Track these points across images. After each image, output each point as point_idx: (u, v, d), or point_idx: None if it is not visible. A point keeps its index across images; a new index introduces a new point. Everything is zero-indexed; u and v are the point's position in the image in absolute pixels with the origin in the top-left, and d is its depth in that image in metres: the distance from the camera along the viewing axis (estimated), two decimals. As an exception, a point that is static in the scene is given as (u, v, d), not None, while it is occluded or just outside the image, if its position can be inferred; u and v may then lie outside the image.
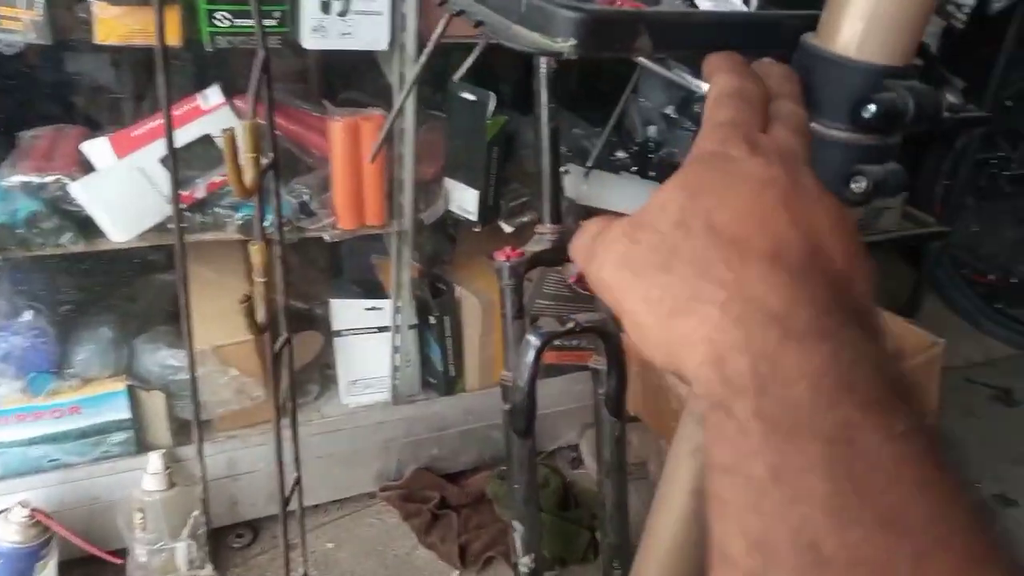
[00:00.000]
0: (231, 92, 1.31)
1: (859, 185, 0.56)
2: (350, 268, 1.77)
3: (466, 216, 1.54)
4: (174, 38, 1.17)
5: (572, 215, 1.64)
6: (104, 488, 1.42)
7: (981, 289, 2.70)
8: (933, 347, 1.63)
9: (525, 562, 1.43)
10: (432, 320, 1.64)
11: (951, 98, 0.59)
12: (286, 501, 1.13)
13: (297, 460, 1.17)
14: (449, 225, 1.71)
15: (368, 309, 1.59)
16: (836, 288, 0.30)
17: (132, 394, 1.39)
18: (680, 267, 0.32)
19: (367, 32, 1.27)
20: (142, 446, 1.44)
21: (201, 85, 1.30)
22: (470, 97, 1.43)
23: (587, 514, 1.71)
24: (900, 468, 0.25)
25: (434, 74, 1.47)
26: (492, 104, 1.42)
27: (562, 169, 1.63)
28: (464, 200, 1.53)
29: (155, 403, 1.42)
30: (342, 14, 1.24)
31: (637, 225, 0.34)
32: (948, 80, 0.61)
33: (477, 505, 1.71)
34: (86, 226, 1.26)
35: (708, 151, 0.36)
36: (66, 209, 1.24)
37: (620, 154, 1.91)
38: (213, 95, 1.25)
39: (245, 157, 0.94)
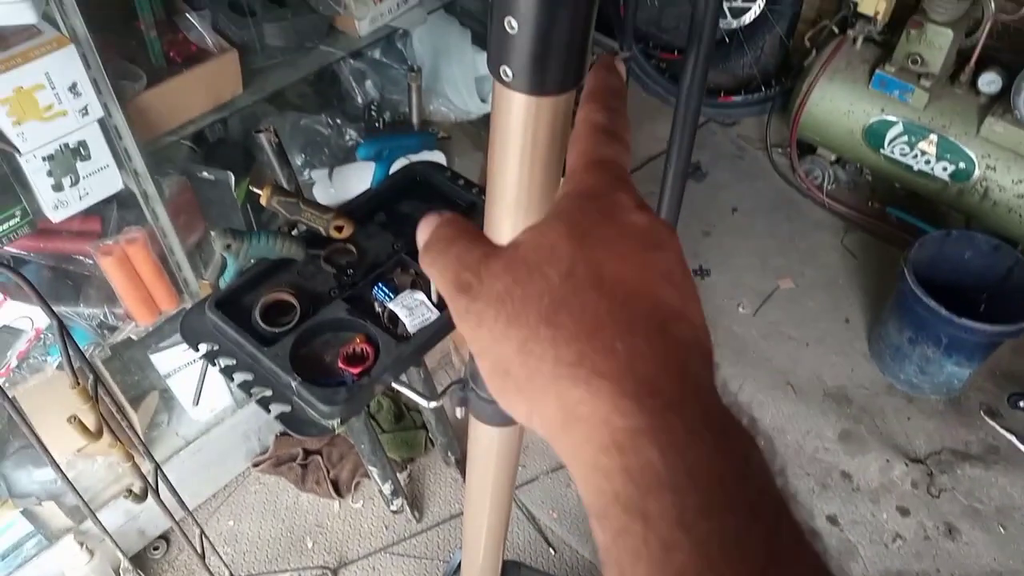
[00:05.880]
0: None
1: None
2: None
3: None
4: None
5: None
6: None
7: (669, 67, 3.17)
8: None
9: (387, 487, 1.93)
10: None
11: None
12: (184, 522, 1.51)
13: (158, 473, 1.53)
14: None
15: (187, 350, 1.83)
16: (703, 364, 0.29)
17: (27, 512, 1.64)
18: (567, 323, 0.29)
19: (103, 184, 1.38)
20: (53, 537, 1.72)
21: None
22: (211, 177, 1.58)
23: (419, 417, 2.18)
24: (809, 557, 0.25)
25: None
26: (232, 181, 1.58)
27: (306, 179, 1.86)
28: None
29: (49, 508, 1.68)
30: (75, 183, 1.34)
31: (524, 263, 0.31)
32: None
33: (334, 441, 2.14)
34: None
35: (594, 190, 0.33)
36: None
37: (350, 133, 2.17)
38: (-9, 293, 1.36)
39: (81, 409, 1.17)
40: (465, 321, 0.32)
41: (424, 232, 0.35)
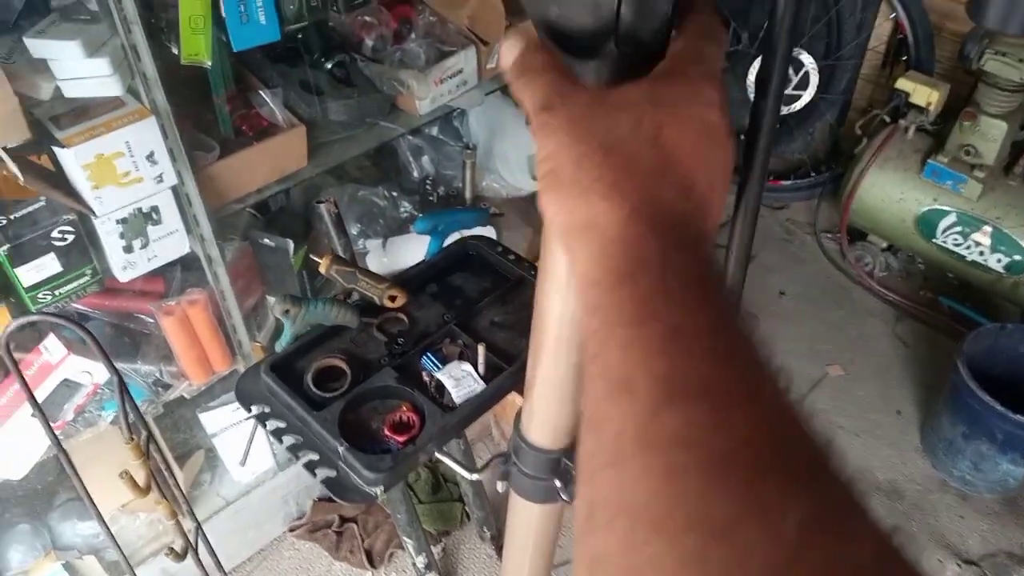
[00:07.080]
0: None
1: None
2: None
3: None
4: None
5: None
6: (72, 633, 1.72)
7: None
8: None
9: (420, 560, 1.90)
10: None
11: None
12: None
13: (199, 535, 1.53)
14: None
15: (235, 410, 1.87)
16: (701, 238, 0.37)
17: (68, 565, 1.66)
18: (619, 158, 0.37)
19: (171, 248, 1.44)
20: (90, 593, 1.73)
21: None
22: (271, 244, 1.65)
23: (456, 489, 2.17)
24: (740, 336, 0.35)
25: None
26: (291, 248, 1.64)
27: (361, 249, 1.91)
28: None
29: (89, 563, 1.70)
30: (144, 246, 1.41)
31: (604, 102, 0.38)
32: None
33: (370, 509, 2.14)
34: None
35: (687, 72, 0.39)
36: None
37: (405, 205, 2.22)
38: (54, 347, 1.41)
39: (132, 464, 1.20)
40: (541, 131, 0.38)
41: (510, 53, 0.41)
